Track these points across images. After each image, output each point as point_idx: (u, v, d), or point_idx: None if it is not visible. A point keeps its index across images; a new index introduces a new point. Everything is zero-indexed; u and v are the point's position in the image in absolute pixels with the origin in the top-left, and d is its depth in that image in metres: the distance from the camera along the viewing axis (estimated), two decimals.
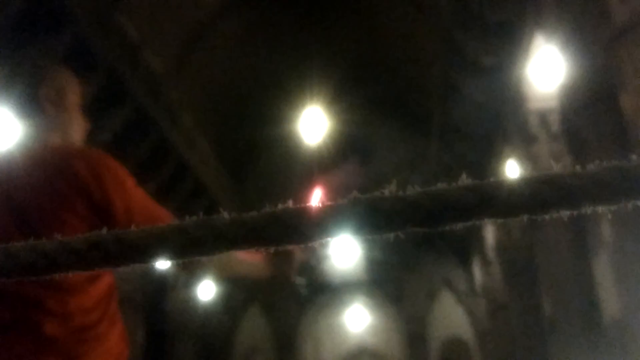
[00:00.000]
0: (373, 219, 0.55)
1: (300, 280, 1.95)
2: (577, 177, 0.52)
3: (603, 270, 9.03)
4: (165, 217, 1.66)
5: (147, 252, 0.58)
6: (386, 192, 0.55)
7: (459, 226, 0.53)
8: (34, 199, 1.52)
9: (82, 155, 1.61)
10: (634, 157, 0.51)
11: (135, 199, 1.61)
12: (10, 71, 1.69)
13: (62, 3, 9.06)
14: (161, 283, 13.85)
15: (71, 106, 1.73)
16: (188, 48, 13.92)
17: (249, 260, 1.88)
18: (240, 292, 20.08)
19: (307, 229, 0.56)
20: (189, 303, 16.45)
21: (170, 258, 0.59)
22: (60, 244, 0.60)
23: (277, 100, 17.03)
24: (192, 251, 0.58)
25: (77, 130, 1.76)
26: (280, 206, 0.57)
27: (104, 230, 0.60)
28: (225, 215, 0.58)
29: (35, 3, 8.58)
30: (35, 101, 1.67)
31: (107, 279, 1.64)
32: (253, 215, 0.57)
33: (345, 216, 0.55)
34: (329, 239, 0.57)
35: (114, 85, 10.78)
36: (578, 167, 0.53)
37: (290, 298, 19.94)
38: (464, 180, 0.54)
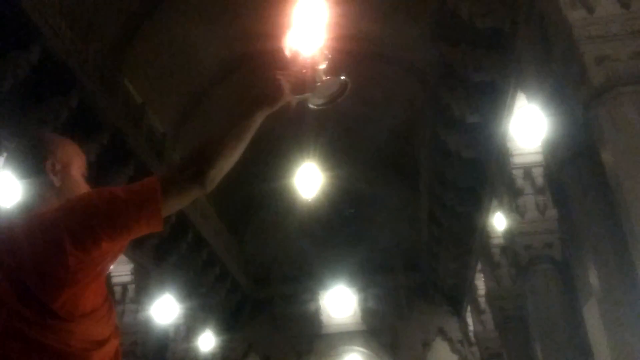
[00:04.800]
0: None
1: (313, 101, 1.91)
2: None
3: (592, 317, 9.12)
4: (151, 191, 1.61)
5: None
6: None
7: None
8: (25, 262, 1.52)
9: (55, 211, 1.61)
10: None
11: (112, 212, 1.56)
12: (17, 143, 1.77)
13: (69, 68, 9.41)
14: (162, 335, 13.88)
15: (75, 175, 1.80)
16: (188, 110, 14.34)
17: (240, 129, 1.73)
18: (240, 344, 20.10)
19: None
20: (190, 355, 16.46)
21: None
22: None
23: (273, 157, 17.51)
24: None
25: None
26: None
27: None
28: None
29: (43, 68, 8.89)
30: (41, 173, 1.73)
31: (113, 343, 1.63)
32: None
33: None
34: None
35: (118, 145, 11.06)
36: None
37: (288, 349, 20.00)
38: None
